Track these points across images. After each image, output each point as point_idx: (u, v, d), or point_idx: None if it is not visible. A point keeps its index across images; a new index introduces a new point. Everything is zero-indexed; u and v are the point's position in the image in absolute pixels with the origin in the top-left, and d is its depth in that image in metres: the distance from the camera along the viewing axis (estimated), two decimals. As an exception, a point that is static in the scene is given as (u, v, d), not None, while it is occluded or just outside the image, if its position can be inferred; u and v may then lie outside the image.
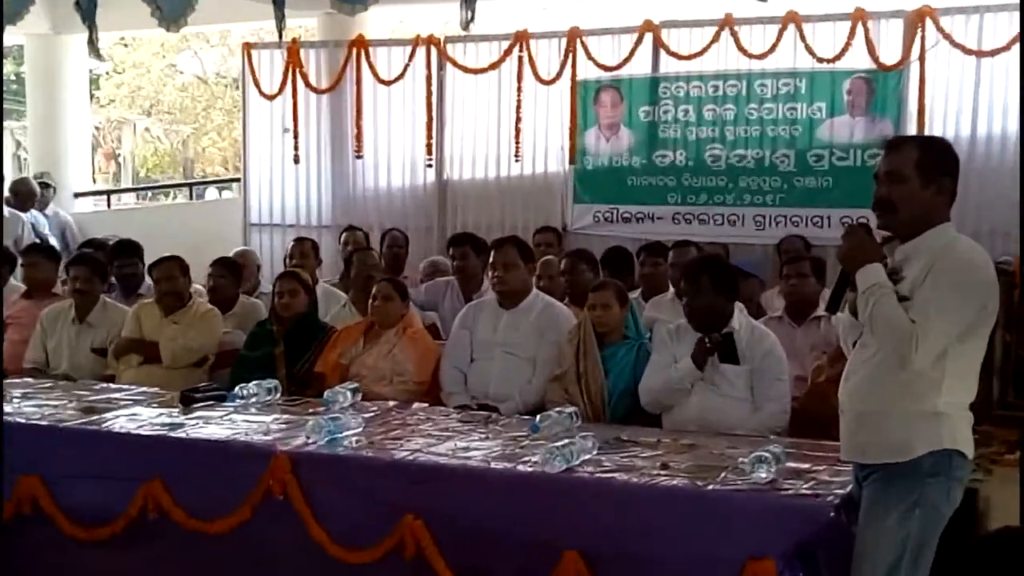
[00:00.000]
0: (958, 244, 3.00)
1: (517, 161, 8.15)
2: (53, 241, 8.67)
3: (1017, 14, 6.70)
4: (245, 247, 8.01)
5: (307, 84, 8.66)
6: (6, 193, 9.44)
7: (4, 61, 17.31)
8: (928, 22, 6.97)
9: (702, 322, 4.39)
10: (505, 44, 7.99)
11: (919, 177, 2.99)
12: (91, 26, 4.91)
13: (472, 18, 4.24)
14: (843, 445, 3.16)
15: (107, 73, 21.45)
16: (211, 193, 16.50)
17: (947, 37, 6.93)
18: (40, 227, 9.02)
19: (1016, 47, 6.72)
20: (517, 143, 8.11)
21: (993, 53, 6.86)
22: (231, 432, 4.10)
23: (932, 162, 3.01)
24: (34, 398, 4.78)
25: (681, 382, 4.34)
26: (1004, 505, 3.47)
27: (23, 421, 4.39)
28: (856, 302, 3.03)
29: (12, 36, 5.01)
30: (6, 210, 8.69)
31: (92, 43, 4.96)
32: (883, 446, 3.02)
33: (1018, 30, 6.66)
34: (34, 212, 9.24)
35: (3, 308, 5.60)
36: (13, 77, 17.75)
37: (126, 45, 20.85)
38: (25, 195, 9.08)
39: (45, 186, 9.47)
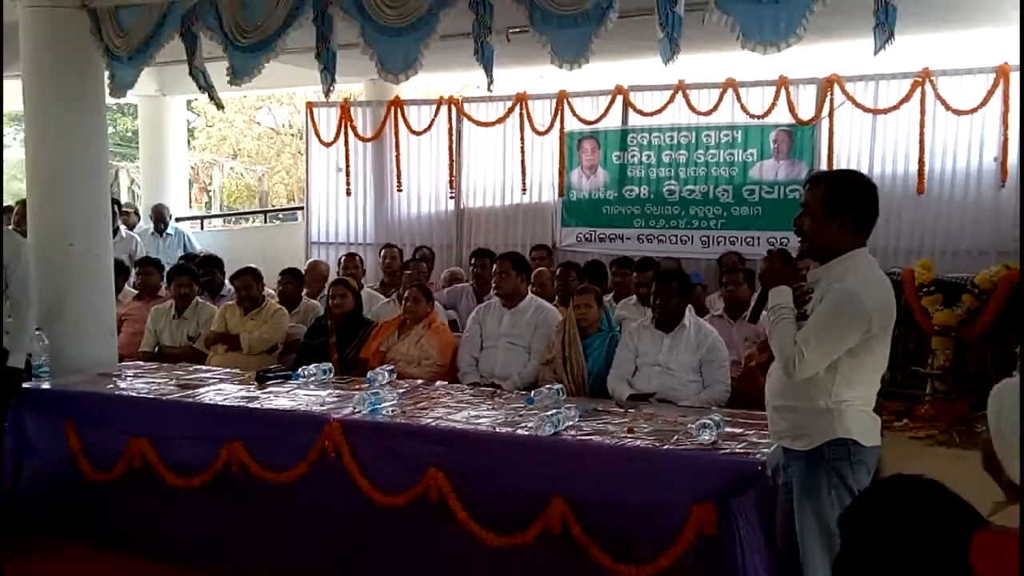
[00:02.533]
0: (850, 276, 2.75)
1: (521, 193, 8.12)
2: (179, 252, 8.63)
3: (907, 82, 6.74)
4: (316, 259, 7.99)
5: (356, 134, 8.66)
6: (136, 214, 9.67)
7: (121, 116, 17.51)
8: (836, 87, 6.96)
9: (669, 318, 4.40)
10: (509, 103, 7.98)
11: (824, 212, 2.80)
12: (209, 87, 4.97)
13: (492, 81, 4.28)
14: (771, 431, 3.04)
15: (201, 126, 21.51)
16: (281, 218, 16.50)
17: (850, 99, 6.91)
18: (175, 244, 9.06)
19: (905, 106, 6.76)
20: (523, 179, 8.08)
21: (887, 111, 6.84)
22: (295, 404, 4.13)
23: (837, 199, 2.79)
24: (143, 377, 4.80)
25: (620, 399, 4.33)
26: (894, 461, 3.48)
27: (135, 395, 4.42)
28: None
29: (127, 96, 5.13)
30: (123, 230, 8.76)
31: (213, 99, 5.04)
32: (794, 435, 2.88)
33: (906, 91, 6.74)
34: (176, 228, 9.33)
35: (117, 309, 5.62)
36: (128, 131, 17.88)
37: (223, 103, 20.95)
38: (161, 216, 9.16)
39: (166, 212, 9.46)
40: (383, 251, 7.59)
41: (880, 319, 2.76)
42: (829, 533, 2.73)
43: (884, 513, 1.61)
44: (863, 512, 1.65)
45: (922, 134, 6.76)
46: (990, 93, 6.56)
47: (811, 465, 2.81)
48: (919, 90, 6.72)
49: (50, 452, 4.44)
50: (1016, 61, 6.66)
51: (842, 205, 2.79)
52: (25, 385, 4.52)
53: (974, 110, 6.61)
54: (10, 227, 5.58)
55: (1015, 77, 6.50)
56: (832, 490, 2.76)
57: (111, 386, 4.59)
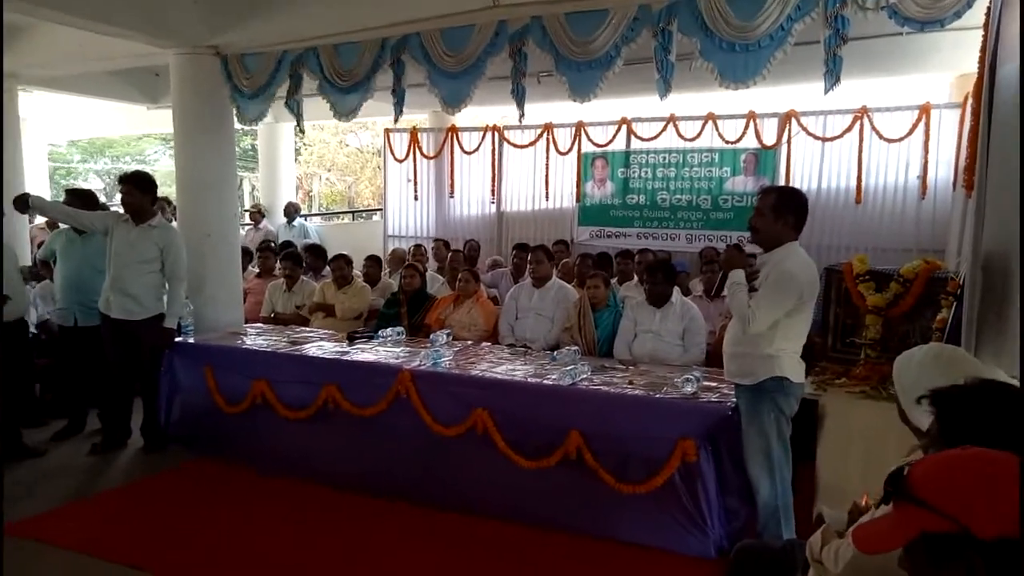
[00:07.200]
0: (788, 260, 2.89)
1: (545, 200, 8.09)
2: (301, 239, 8.72)
3: (849, 116, 6.60)
4: (396, 247, 8.06)
5: (422, 153, 8.66)
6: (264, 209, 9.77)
7: (244, 136, 17.67)
8: (793, 119, 6.83)
9: (657, 299, 4.37)
10: (539, 130, 7.94)
11: (773, 214, 2.93)
12: (298, 117, 5.00)
13: (523, 114, 4.27)
14: (725, 372, 3.14)
15: (305, 145, 21.66)
16: (364, 217, 16.57)
17: (804, 129, 6.78)
18: (299, 233, 9.18)
19: (847, 135, 6.62)
20: (546, 189, 8.04)
21: (832, 139, 6.70)
22: (376, 357, 4.16)
23: (782, 205, 2.93)
24: (263, 335, 4.87)
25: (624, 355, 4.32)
26: (833, 411, 3.43)
27: (257, 348, 4.48)
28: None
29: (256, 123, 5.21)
30: (261, 223, 8.92)
31: (299, 126, 5.06)
32: (743, 374, 2.99)
33: (848, 124, 6.59)
34: (300, 221, 9.52)
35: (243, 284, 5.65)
36: (250, 146, 18.07)
37: (322, 128, 21.03)
38: (291, 211, 9.40)
39: (296, 208, 9.61)
40: (434, 243, 7.65)
41: (808, 291, 2.91)
42: (768, 444, 2.93)
43: (982, 396, 1.40)
44: (969, 393, 1.43)
45: (860, 157, 6.61)
46: (914, 126, 6.40)
47: (755, 395, 2.96)
48: (858, 123, 6.58)
49: (194, 390, 4.54)
50: (936, 101, 6.51)
51: (785, 210, 2.94)
52: (176, 340, 4.62)
53: (901, 139, 6.45)
54: (170, 218, 5.65)
55: (936, 113, 6.34)
56: (771, 413, 2.92)
57: (239, 342, 4.66)
